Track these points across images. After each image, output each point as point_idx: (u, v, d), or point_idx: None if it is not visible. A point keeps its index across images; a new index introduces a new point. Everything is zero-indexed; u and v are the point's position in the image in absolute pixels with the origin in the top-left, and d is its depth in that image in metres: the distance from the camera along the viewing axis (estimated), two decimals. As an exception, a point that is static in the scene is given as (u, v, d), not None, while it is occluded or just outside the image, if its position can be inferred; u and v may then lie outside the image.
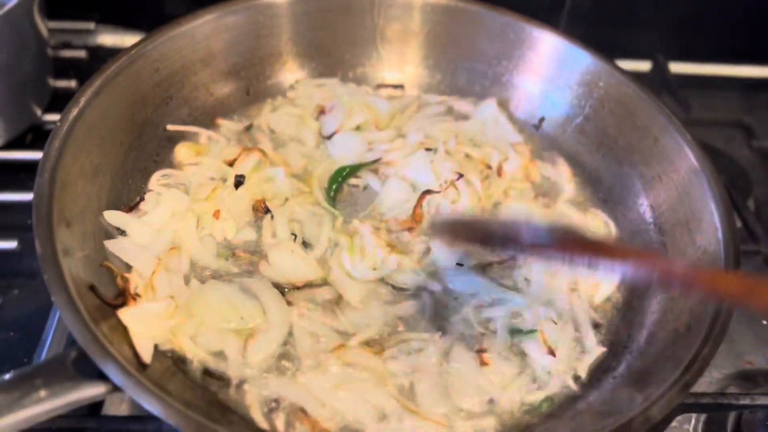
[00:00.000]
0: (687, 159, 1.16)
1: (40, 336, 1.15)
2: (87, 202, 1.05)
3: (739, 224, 1.40)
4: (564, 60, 1.35)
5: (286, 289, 1.07)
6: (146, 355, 0.91)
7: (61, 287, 0.85)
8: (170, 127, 1.25)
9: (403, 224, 1.19)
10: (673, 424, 1.15)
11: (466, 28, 1.40)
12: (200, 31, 1.28)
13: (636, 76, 1.31)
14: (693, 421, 1.16)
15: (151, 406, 0.77)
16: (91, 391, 0.77)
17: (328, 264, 1.11)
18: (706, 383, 1.22)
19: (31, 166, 1.36)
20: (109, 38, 1.78)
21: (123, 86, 1.16)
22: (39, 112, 1.48)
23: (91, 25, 1.76)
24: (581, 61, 1.33)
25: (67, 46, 1.73)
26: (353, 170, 1.26)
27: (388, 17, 1.42)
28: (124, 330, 0.94)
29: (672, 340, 0.99)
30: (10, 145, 1.43)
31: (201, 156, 1.25)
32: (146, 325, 0.95)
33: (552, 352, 1.02)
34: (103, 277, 1.01)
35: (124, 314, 0.94)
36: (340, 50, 1.42)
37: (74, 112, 1.06)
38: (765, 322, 1.32)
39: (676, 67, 1.78)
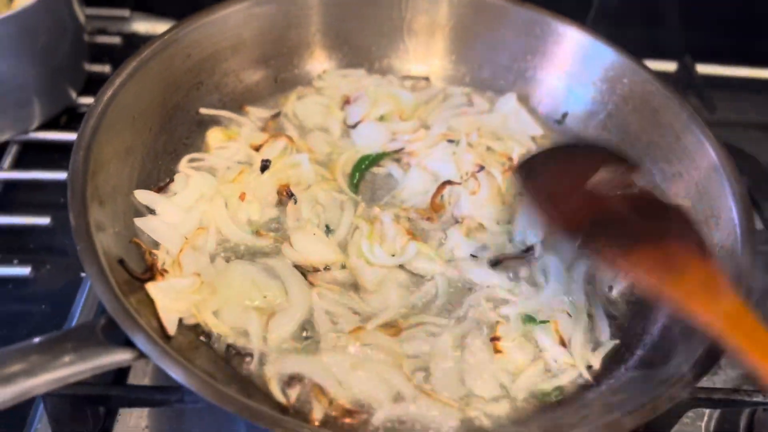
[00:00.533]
0: (708, 156, 1.17)
1: (69, 309, 1.20)
2: (119, 181, 1.09)
3: (760, 225, 1.40)
4: (589, 56, 1.36)
5: (308, 271, 1.10)
6: (171, 327, 0.94)
7: (93, 259, 0.89)
8: (203, 111, 1.29)
9: (422, 213, 1.22)
10: (686, 420, 1.15)
11: (491, 23, 1.42)
12: (231, 19, 1.32)
13: (661, 75, 1.32)
14: (706, 417, 1.17)
15: (175, 373, 0.80)
16: (118, 356, 0.80)
17: (349, 249, 1.14)
18: (720, 380, 1.22)
19: (64, 147, 1.42)
20: (142, 26, 1.83)
21: (156, 70, 1.20)
22: (74, 95, 1.53)
23: (126, 13, 1.82)
24: (606, 57, 1.34)
25: (103, 32, 1.78)
26: (376, 159, 1.28)
27: (415, 10, 1.44)
28: (150, 304, 0.97)
29: (686, 334, 1.00)
30: (45, 126, 1.48)
31: (230, 141, 1.29)
32: (172, 299, 0.98)
33: (563, 343, 1.04)
34: (132, 253, 1.04)
35: (152, 287, 0.98)
36: (367, 42, 1.45)
37: (109, 93, 1.09)
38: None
39: (704, 69, 1.77)
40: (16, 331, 1.19)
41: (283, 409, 0.93)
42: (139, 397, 0.94)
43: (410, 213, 1.22)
